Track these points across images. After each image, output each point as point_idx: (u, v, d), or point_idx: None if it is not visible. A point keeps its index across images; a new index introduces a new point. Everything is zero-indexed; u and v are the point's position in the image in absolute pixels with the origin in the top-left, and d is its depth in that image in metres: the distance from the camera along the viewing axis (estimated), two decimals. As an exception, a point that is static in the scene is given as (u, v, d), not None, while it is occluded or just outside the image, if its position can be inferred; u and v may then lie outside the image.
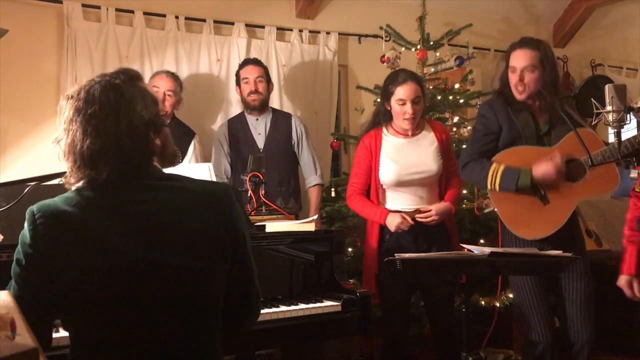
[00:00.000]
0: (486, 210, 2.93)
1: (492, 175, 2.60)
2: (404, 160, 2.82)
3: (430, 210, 2.79)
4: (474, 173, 2.68)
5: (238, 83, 3.62)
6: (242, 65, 3.63)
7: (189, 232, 1.40)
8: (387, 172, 2.83)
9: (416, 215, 2.79)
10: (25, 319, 1.15)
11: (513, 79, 2.65)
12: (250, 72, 3.54)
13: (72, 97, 1.40)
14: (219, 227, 1.44)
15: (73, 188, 1.43)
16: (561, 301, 2.63)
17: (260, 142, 3.55)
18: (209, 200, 1.45)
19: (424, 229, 2.80)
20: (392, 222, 2.76)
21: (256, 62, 3.63)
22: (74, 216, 1.37)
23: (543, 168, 2.54)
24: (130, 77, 1.44)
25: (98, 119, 1.37)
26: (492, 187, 2.61)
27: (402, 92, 2.77)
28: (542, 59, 2.62)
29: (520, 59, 2.63)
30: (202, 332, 1.41)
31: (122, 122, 1.38)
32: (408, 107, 2.78)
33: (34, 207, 1.39)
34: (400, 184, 2.82)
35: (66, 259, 1.33)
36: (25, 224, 1.39)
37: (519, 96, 2.65)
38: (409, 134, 2.88)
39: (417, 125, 2.89)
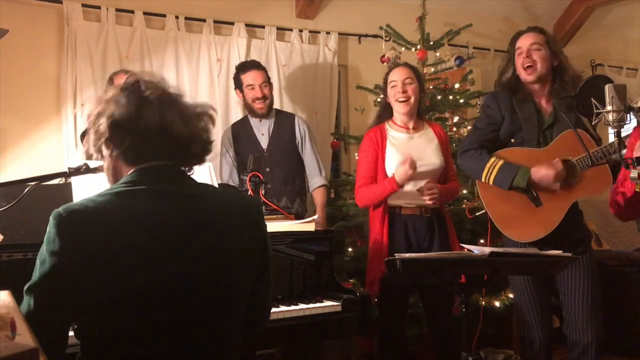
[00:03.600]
0: (478, 213, 2.93)
1: (489, 168, 2.56)
2: (409, 153, 2.80)
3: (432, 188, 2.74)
4: (472, 161, 2.64)
5: (239, 87, 3.52)
6: (243, 69, 3.50)
7: (225, 251, 1.36)
8: (395, 163, 2.79)
9: (421, 188, 2.75)
10: (43, 336, 1.08)
11: (520, 59, 2.64)
12: (255, 78, 3.43)
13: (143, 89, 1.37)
14: (252, 246, 1.43)
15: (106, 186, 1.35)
16: (564, 299, 2.56)
17: (264, 142, 3.50)
18: (244, 216, 1.43)
19: (423, 228, 2.80)
20: (400, 174, 2.70)
21: (258, 66, 3.51)
22: (108, 223, 1.25)
23: (543, 173, 2.49)
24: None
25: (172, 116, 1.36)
26: (487, 180, 2.57)
27: (394, 75, 2.91)
28: (547, 42, 2.63)
29: (526, 40, 2.64)
30: (224, 345, 1.39)
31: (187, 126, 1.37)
32: (399, 87, 2.85)
33: (61, 210, 1.25)
34: None
35: (97, 273, 1.23)
36: (51, 229, 1.24)
37: (528, 77, 2.61)
38: (410, 127, 2.90)
39: (417, 123, 2.92)
